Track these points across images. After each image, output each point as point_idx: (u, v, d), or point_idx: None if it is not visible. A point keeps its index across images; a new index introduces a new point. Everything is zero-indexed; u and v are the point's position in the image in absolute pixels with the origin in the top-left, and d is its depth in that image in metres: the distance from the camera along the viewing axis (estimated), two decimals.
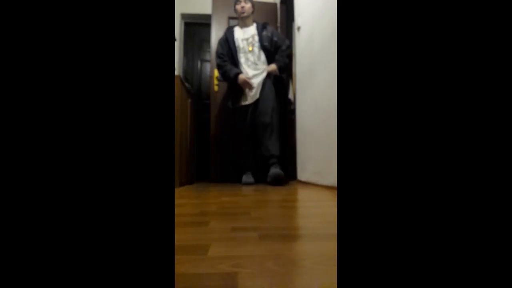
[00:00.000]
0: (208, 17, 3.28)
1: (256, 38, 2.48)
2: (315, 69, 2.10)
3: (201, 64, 3.66)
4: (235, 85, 2.41)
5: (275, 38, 2.47)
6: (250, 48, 2.45)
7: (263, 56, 2.47)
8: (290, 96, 2.95)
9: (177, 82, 2.08)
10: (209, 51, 3.40)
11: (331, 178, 1.72)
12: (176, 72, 3.00)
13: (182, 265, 0.48)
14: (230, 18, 3.01)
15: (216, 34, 2.96)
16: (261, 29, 2.50)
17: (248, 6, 2.49)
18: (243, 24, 2.54)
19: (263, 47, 2.45)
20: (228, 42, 2.49)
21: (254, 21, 2.56)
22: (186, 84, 2.42)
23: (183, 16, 3.55)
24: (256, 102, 2.40)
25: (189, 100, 2.56)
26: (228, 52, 2.48)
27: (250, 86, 2.35)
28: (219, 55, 2.48)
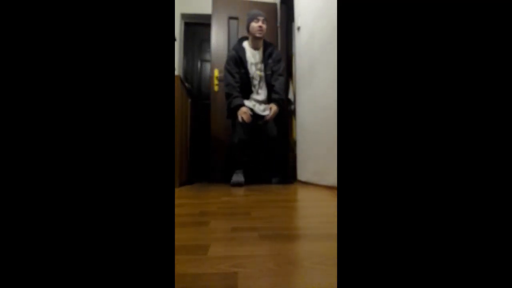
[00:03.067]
0: (208, 17, 3.28)
1: (262, 66, 2.43)
2: (315, 69, 2.10)
3: (201, 64, 3.66)
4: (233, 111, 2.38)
5: (274, 67, 2.43)
6: (260, 74, 2.42)
7: (265, 87, 2.46)
8: (290, 96, 2.95)
9: (177, 82, 2.08)
10: (209, 51, 3.40)
11: (331, 178, 1.72)
12: (176, 72, 3.00)
13: (182, 265, 0.48)
14: (230, 18, 3.01)
15: (216, 34, 2.96)
16: (267, 56, 2.43)
17: (265, 26, 2.39)
18: (255, 45, 2.43)
19: (266, 77, 2.43)
20: (241, 62, 2.39)
21: (260, 46, 2.47)
22: (186, 84, 2.42)
23: (183, 16, 3.55)
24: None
25: (189, 100, 2.56)
26: (240, 73, 2.39)
27: (248, 119, 2.30)
28: (232, 74, 2.36)
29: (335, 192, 1.58)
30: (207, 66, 3.62)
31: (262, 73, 2.44)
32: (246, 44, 2.47)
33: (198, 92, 3.57)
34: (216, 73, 2.89)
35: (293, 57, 2.84)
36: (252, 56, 2.45)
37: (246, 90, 2.43)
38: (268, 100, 2.46)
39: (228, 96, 2.37)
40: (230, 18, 3.01)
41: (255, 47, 2.45)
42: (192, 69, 3.65)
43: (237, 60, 2.39)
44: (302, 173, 2.42)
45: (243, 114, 2.29)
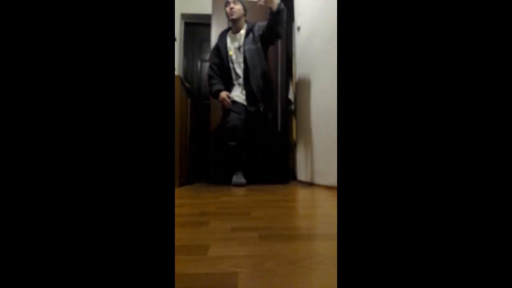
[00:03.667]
0: (208, 17, 3.28)
1: (242, 47, 2.30)
2: (315, 69, 2.10)
3: (201, 64, 3.66)
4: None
5: (260, 32, 2.25)
6: (237, 54, 2.33)
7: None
8: (290, 96, 2.95)
9: (177, 82, 2.08)
10: (209, 51, 3.40)
11: (331, 178, 1.72)
12: (176, 72, 3.00)
13: (182, 265, 0.48)
14: None
15: (216, 34, 2.95)
16: (247, 33, 2.30)
17: (238, 7, 2.30)
18: (235, 29, 2.36)
19: (245, 52, 2.26)
20: (220, 52, 2.33)
21: (246, 22, 2.38)
22: (186, 84, 2.42)
23: (183, 16, 3.55)
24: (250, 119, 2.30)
25: (189, 100, 2.56)
26: (221, 63, 2.34)
27: (227, 106, 2.24)
28: (211, 65, 2.37)
29: (335, 192, 1.58)
30: (207, 66, 3.62)
31: (242, 50, 2.28)
32: (228, 33, 2.41)
33: (198, 92, 3.57)
34: None
35: (293, 57, 2.84)
36: (233, 40, 2.36)
37: (232, 77, 2.34)
38: (246, 84, 2.31)
39: (209, 85, 2.34)
40: None
41: (235, 31, 2.37)
42: (192, 69, 3.65)
43: (215, 51, 2.37)
44: (302, 173, 2.42)
45: (222, 100, 2.23)
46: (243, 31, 2.34)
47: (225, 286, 0.40)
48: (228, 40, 2.38)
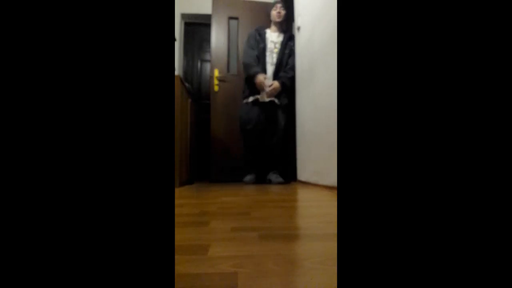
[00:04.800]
0: (208, 17, 3.28)
1: (280, 46, 2.68)
2: (315, 69, 2.10)
3: (201, 64, 3.66)
4: (250, 80, 2.59)
5: (290, 53, 2.70)
6: (276, 50, 2.70)
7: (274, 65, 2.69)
8: None
9: (177, 82, 2.08)
10: (209, 51, 3.40)
11: (331, 178, 1.72)
12: (176, 72, 3.00)
13: (182, 265, 0.48)
14: (230, 18, 3.01)
15: (216, 34, 2.96)
16: (288, 38, 2.73)
17: (283, 12, 2.70)
18: (276, 29, 2.74)
19: (281, 54, 2.65)
20: (261, 38, 2.67)
21: (282, 30, 2.76)
22: (186, 84, 2.42)
23: (183, 16, 3.55)
24: (267, 111, 2.58)
25: (189, 100, 2.56)
26: (259, 47, 2.65)
27: (263, 88, 2.53)
28: (251, 46, 2.65)
29: (335, 192, 1.58)
30: (207, 66, 3.62)
31: (278, 49, 2.68)
32: (267, 29, 2.78)
33: (198, 92, 3.57)
34: (216, 73, 2.88)
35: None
36: (273, 33, 2.74)
37: (263, 63, 2.65)
38: (274, 78, 2.65)
39: (246, 66, 2.63)
40: (230, 18, 3.01)
41: (276, 31, 2.75)
42: (192, 69, 3.65)
43: (256, 36, 2.69)
44: (302, 173, 2.42)
45: (259, 83, 2.50)
46: (281, 34, 2.75)
47: (225, 286, 0.40)
48: (268, 33, 2.74)
